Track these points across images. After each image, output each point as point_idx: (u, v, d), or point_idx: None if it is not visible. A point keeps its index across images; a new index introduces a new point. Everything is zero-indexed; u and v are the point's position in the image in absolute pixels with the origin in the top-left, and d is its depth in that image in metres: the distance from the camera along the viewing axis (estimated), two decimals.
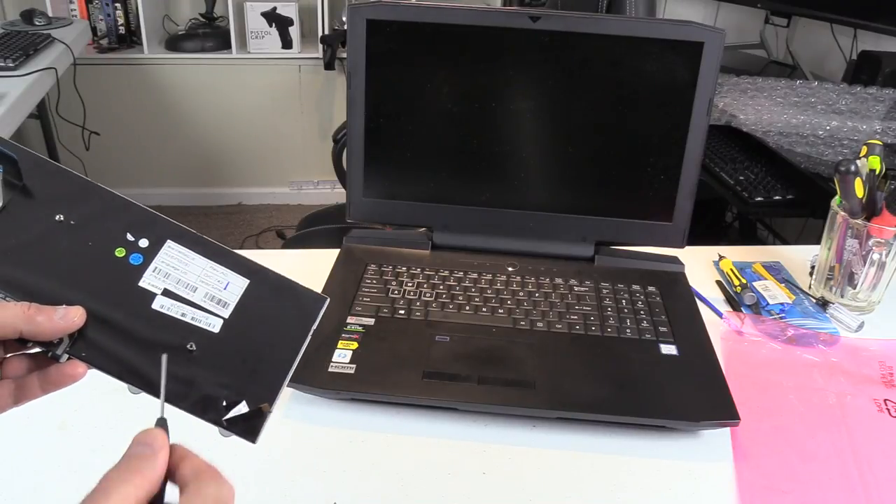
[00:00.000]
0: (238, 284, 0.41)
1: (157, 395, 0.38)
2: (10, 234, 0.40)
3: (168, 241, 0.41)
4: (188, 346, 0.39)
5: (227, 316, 0.41)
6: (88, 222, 0.41)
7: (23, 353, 0.40)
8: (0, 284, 0.39)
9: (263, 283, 0.42)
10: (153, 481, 0.33)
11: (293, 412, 0.65)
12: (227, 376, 0.39)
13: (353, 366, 0.66)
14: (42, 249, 0.40)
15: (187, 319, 0.40)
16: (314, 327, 0.41)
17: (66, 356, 0.39)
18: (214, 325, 0.40)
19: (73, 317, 0.38)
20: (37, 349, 0.39)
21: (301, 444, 0.62)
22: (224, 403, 0.39)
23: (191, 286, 0.41)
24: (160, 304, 0.40)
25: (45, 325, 0.37)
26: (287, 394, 0.66)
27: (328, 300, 0.41)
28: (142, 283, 0.40)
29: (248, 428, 0.39)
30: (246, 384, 0.39)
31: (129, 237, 0.41)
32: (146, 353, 0.39)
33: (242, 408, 0.39)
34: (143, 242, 0.41)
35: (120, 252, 0.41)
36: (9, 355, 0.39)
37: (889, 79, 1.62)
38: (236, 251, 0.42)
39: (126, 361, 0.39)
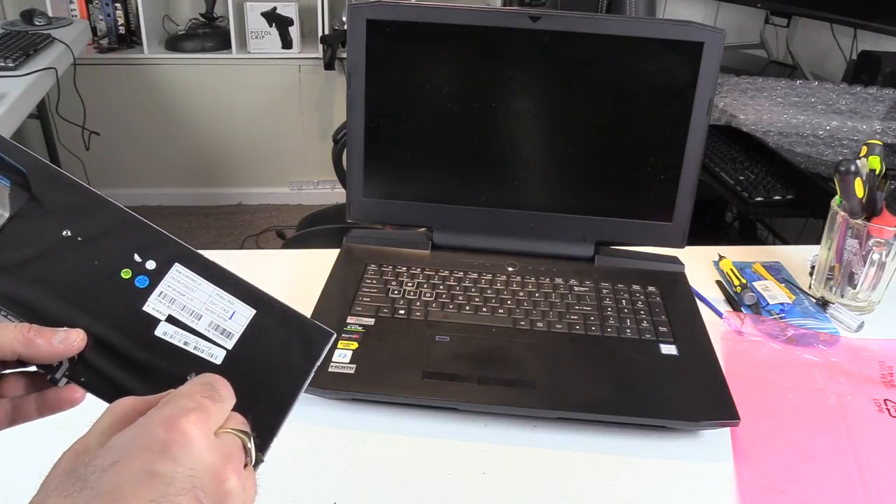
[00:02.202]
0: (244, 314, 0.40)
1: None
2: (15, 247, 0.39)
3: (176, 263, 0.40)
4: (188, 377, 0.38)
5: (230, 347, 0.39)
6: (96, 240, 0.40)
7: (21, 373, 0.39)
8: (1, 301, 0.38)
9: (270, 313, 0.40)
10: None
11: (293, 412, 0.65)
12: None
13: (353, 366, 0.66)
14: (46, 266, 0.39)
15: (189, 349, 0.39)
16: (318, 363, 0.39)
17: (64, 380, 0.38)
18: (217, 357, 0.39)
19: (72, 341, 0.37)
20: (34, 369, 0.39)
21: (301, 444, 0.62)
22: None
23: (196, 313, 0.39)
24: (163, 332, 0.39)
25: (44, 348, 0.36)
26: None
27: (335, 336, 0.40)
28: (146, 308, 0.39)
29: None
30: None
31: (137, 258, 0.39)
32: (146, 382, 0.38)
33: None
34: (151, 264, 0.39)
35: (126, 273, 0.39)
36: (7, 371, 0.39)
37: (889, 79, 1.62)
38: (243, 278, 0.40)
39: (126, 390, 0.38)
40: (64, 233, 0.39)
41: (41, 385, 0.39)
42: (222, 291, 0.40)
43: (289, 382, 0.39)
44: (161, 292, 0.39)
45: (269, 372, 0.39)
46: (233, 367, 0.39)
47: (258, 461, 0.36)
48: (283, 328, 0.40)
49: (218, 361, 0.39)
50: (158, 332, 0.39)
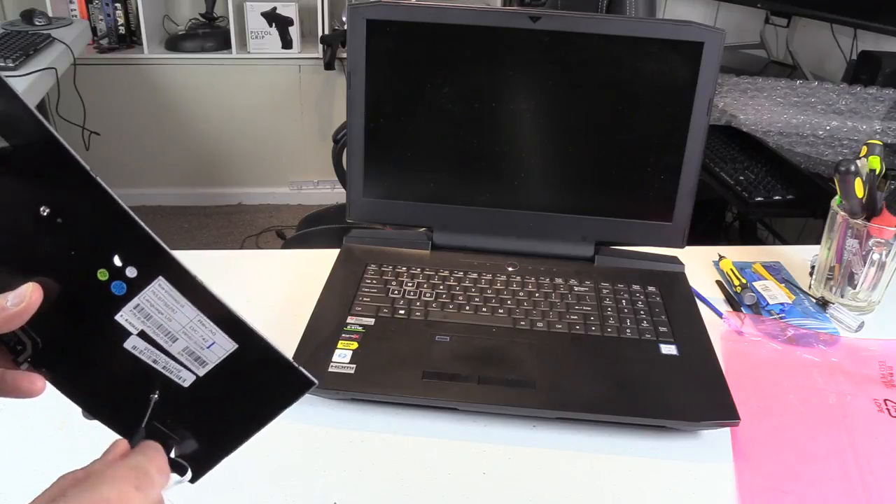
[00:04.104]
0: (224, 347, 0.36)
1: (110, 426, 0.37)
2: None
3: (160, 277, 0.35)
4: (151, 394, 0.37)
5: (201, 374, 0.37)
6: (76, 227, 0.35)
7: None
8: None
9: (253, 350, 0.36)
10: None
11: (293, 412, 0.64)
12: (180, 429, 0.37)
13: (353, 366, 0.66)
14: (15, 243, 0.35)
15: (158, 367, 0.36)
16: (289, 407, 0.37)
17: (26, 365, 0.36)
18: (185, 380, 0.37)
19: (24, 296, 0.34)
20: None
21: (301, 444, 0.62)
22: (166, 447, 0.37)
23: (172, 335, 0.36)
24: (133, 345, 0.36)
25: None
26: None
27: (316, 384, 0.37)
28: (118, 318, 0.35)
29: (179, 469, 0.38)
30: (194, 442, 0.37)
31: (117, 261, 0.35)
32: (107, 387, 0.37)
33: (181, 457, 0.38)
34: (131, 271, 0.35)
35: (102, 275, 0.35)
36: None
37: (889, 79, 1.62)
38: (233, 309, 0.36)
39: (85, 389, 0.37)
40: (42, 210, 0.34)
41: (6, 362, 0.37)
42: (205, 318, 0.36)
43: (252, 419, 0.37)
44: (138, 305, 0.35)
45: (235, 406, 0.37)
46: (199, 393, 0.37)
47: None
48: (264, 368, 0.37)
49: (185, 385, 0.37)
50: (128, 344, 0.36)
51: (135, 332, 0.36)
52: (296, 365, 0.37)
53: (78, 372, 0.37)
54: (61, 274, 0.35)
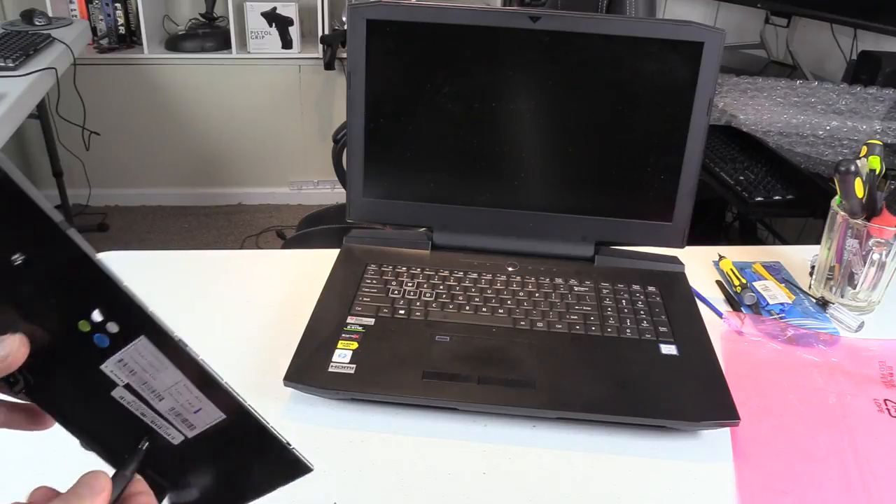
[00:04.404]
0: (211, 415, 0.35)
1: (107, 460, 0.36)
2: None
3: (142, 337, 0.33)
4: (141, 445, 0.36)
5: (190, 436, 0.36)
6: (53, 277, 0.32)
7: None
8: None
9: (244, 425, 0.36)
10: None
11: (293, 412, 0.65)
12: (166, 480, 0.37)
13: (353, 366, 0.66)
14: None
15: (147, 421, 0.36)
16: (280, 488, 0.37)
17: (22, 393, 0.36)
18: (174, 438, 0.36)
19: (11, 349, 0.33)
20: None
21: (301, 444, 0.61)
22: (159, 495, 0.36)
23: (157, 394, 0.35)
24: (120, 395, 0.35)
25: None
26: (287, 394, 0.66)
27: (312, 471, 0.36)
28: (104, 368, 0.34)
29: None
30: (181, 496, 0.36)
31: (97, 316, 0.33)
32: (99, 428, 0.36)
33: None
34: (113, 327, 0.33)
35: (84, 326, 0.33)
36: None
37: (889, 79, 1.62)
38: (226, 384, 0.35)
39: (78, 426, 0.36)
40: (14, 257, 0.32)
41: (2, 388, 0.36)
42: (191, 385, 0.34)
43: (243, 490, 0.37)
44: (121, 360, 0.34)
45: (226, 474, 0.37)
46: (188, 453, 0.36)
47: None
48: (256, 445, 0.36)
49: (175, 442, 0.36)
50: (115, 394, 0.35)
51: (121, 383, 0.35)
52: (291, 447, 0.36)
53: (71, 410, 0.36)
54: (45, 320, 0.34)
